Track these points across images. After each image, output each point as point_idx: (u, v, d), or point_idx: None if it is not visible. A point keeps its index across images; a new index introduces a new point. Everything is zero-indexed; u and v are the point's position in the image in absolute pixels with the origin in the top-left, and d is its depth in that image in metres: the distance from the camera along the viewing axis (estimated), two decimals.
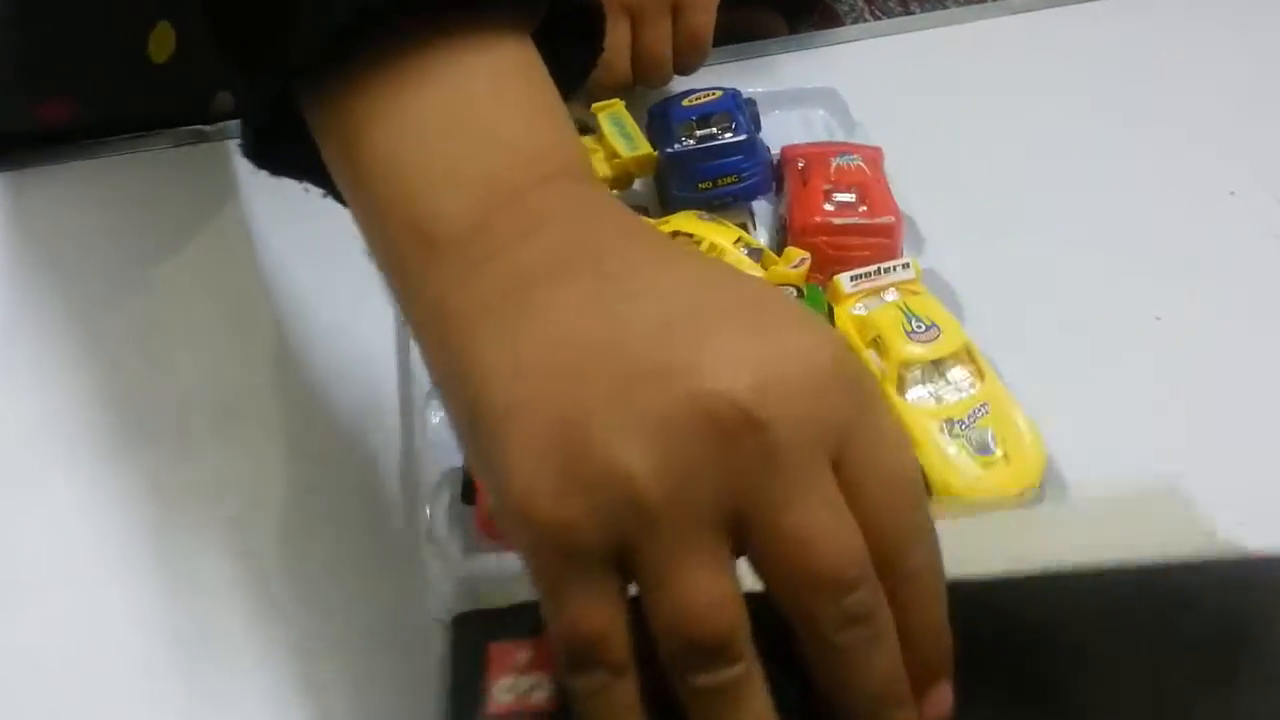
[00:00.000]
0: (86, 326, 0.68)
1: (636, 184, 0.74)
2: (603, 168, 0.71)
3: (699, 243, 0.66)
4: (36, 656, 0.55)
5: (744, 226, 0.71)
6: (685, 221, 0.68)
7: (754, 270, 0.65)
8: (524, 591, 0.52)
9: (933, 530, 0.37)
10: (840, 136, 0.80)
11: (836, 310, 0.63)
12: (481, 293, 0.35)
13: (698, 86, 0.75)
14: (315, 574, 0.57)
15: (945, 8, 0.98)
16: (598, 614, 0.34)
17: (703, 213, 0.70)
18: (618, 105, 0.73)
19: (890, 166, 0.73)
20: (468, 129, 0.38)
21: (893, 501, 0.35)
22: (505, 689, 0.39)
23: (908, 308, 0.62)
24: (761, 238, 0.72)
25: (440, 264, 0.37)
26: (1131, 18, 0.95)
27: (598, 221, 0.38)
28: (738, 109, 0.72)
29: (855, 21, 0.96)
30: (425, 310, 0.37)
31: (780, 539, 0.33)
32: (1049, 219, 0.79)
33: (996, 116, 0.86)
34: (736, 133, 0.71)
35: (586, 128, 0.74)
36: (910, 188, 0.72)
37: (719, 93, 0.73)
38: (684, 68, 0.78)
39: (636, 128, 0.73)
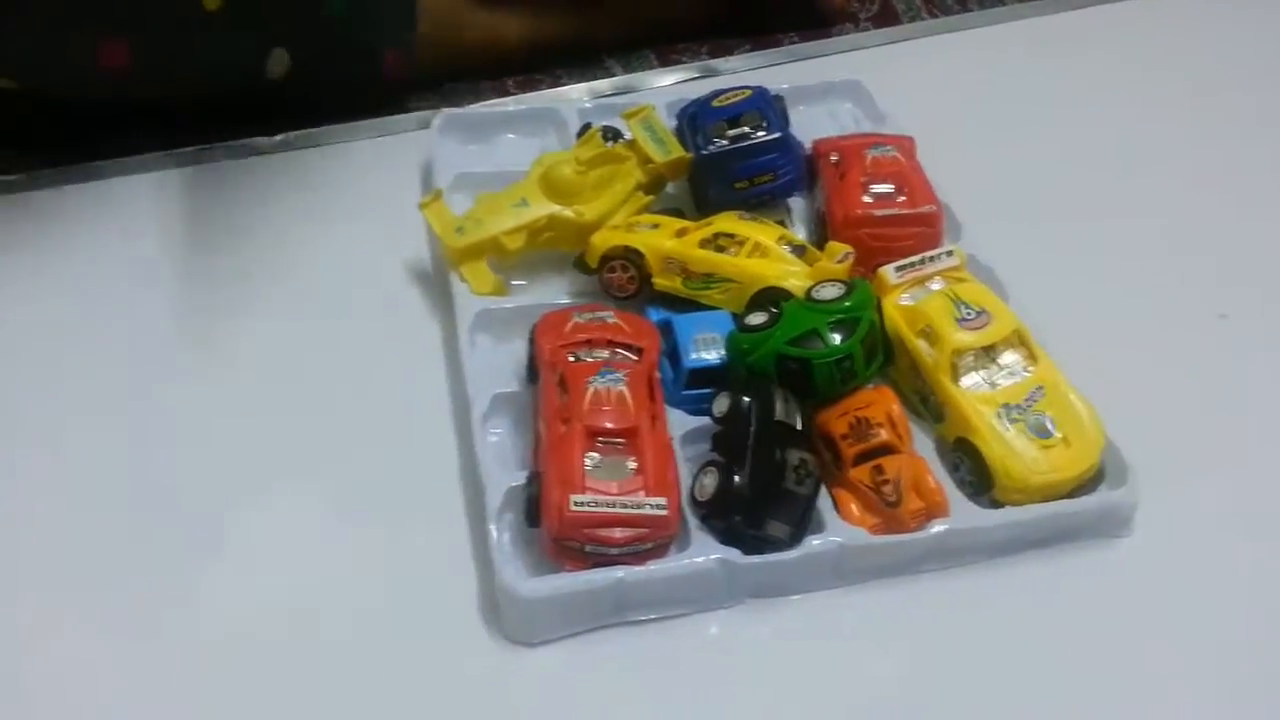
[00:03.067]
0: (140, 341, 0.69)
1: (669, 187, 0.74)
2: (636, 173, 0.71)
3: (742, 243, 0.67)
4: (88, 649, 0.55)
5: (782, 223, 0.71)
6: (727, 222, 0.68)
7: (797, 267, 0.65)
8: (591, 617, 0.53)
9: None
10: (868, 128, 0.80)
11: (884, 302, 0.63)
12: None
13: (723, 87, 0.75)
14: (379, 595, 0.57)
15: (1004, 4, 0.96)
16: None
17: (743, 213, 0.70)
18: (648, 110, 0.74)
19: (921, 156, 0.73)
20: None
21: None
22: None
23: (956, 295, 0.62)
24: (800, 233, 0.72)
25: None
26: (1184, 14, 0.95)
27: None
28: (768, 106, 0.72)
29: (913, 19, 0.96)
30: None
31: None
32: (1093, 208, 0.78)
33: (1036, 110, 0.86)
34: (770, 130, 0.71)
35: (618, 134, 0.74)
36: (944, 176, 0.72)
37: (747, 91, 0.73)
38: None
39: (668, 131, 0.73)
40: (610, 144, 0.72)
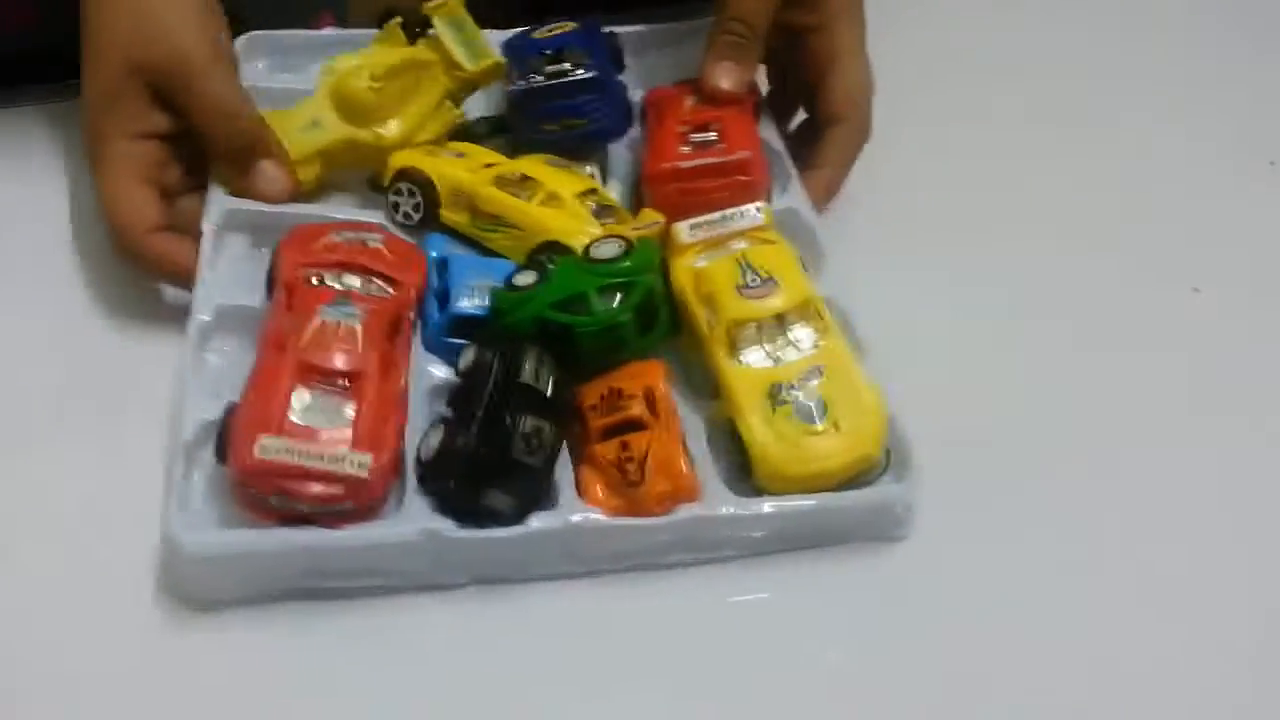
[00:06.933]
0: None
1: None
2: (443, 80, 0.61)
3: (537, 189, 0.57)
4: None
5: (594, 176, 0.62)
6: (533, 165, 0.59)
7: (592, 226, 0.56)
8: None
9: None
10: None
11: (674, 265, 0.54)
12: None
13: (558, 20, 0.65)
14: (44, 531, 0.48)
15: None
16: None
17: (556, 158, 0.60)
18: (453, 4, 0.62)
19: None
20: None
21: None
22: None
23: (746, 260, 0.53)
24: (615, 191, 0.63)
25: None
26: None
27: None
28: (594, 43, 0.63)
29: None
30: None
31: None
32: (928, 198, 0.67)
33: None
34: (587, 69, 0.61)
35: (426, 23, 0.61)
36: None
37: (572, 25, 0.64)
38: None
39: (477, 31, 0.62)
40: (417, 34, 0.61)
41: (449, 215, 0.58)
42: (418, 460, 0.48)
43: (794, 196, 0.60)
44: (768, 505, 0.48)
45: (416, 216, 0.59)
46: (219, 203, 0.57)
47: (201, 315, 0.52)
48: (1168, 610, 0.48)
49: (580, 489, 0.48)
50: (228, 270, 0.55)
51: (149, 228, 0.55)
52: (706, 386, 0.53)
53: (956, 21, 0.80)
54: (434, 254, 0.57)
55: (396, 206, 0.59)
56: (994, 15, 0.79)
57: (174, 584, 0.46)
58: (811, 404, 0.49)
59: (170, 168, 0.57)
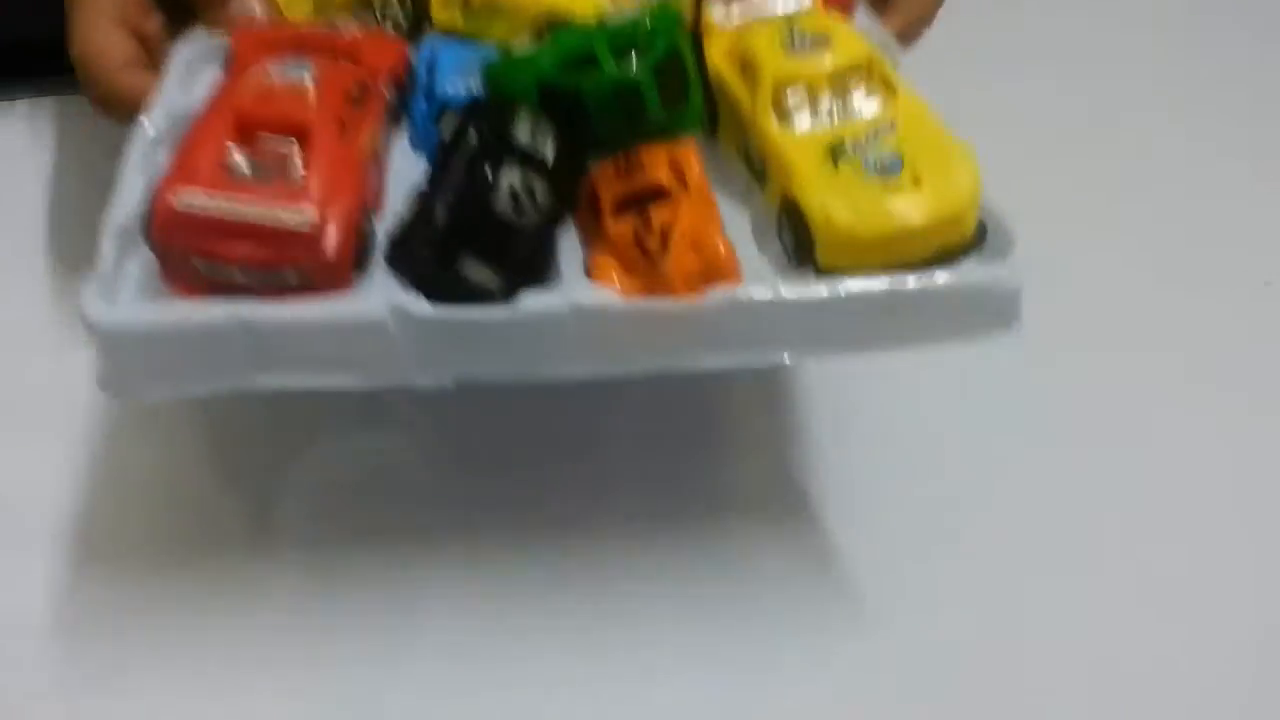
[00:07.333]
0: None
1: None
2: None
3: None
4: None
5: None
6: None
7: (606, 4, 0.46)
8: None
9: None
10: None
11: (710, 48, 0.44)
12: None
13: None
14: None
15: None
16: None
17: None
18: None
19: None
20: None
21: None
22: None
23: (792, 22, 0.43)
24: None
25: None
26: None
27: None
28: None
29: None
30: None
31: None
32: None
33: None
34: None
35: None
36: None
37: None
38: None
39: None
40: None
41: (440, 14, 0.49)
42: (387, 239, 0.38)
43: (860, 18, 0.49)
44: (829, 284, 0.37)
45: (405, 24, 0.50)
46: (194, 37, 0.48)
47: (151, 121, 0.42)
48: (1168, 610, 0.46)
49: (590, 274, 0.38)
50: (196, 95, 0.46)
51: (121, 64, 0.48)
52: (751, 182, 0.42)
53: (957, 21, 0.73)
54: (424, 53, 0.48)
55: (383, 13, 0.50)
56: (994, 15, 0.74)
57: (99, 370, 0.36)
58: (884, 157, 0.38)
59: (150, 17, 0.51)
